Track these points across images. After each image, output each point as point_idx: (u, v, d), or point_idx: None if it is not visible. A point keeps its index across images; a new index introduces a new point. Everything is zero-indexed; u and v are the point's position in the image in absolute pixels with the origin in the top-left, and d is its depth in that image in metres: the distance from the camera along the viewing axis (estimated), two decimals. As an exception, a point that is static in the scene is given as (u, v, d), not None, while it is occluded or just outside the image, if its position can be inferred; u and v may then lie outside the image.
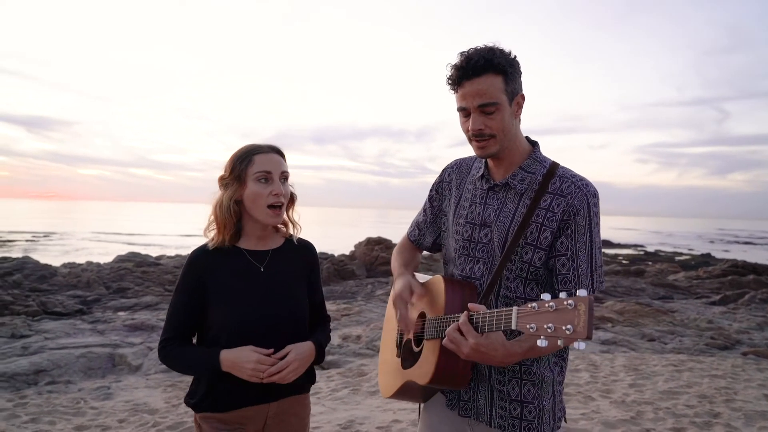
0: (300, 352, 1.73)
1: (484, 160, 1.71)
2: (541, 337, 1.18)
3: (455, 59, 1.54)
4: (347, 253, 19.91)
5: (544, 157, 1.66)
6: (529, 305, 1.23)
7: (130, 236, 44.59)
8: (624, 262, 26.69)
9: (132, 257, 16.52)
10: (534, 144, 1.68)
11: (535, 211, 1.55)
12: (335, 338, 8.14)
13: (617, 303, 11.62)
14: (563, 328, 1.13)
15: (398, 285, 1.73)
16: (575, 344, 1.13)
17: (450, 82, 1.57)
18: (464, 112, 1.57)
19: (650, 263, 25.28)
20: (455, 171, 1.84)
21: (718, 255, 35.38)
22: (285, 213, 1.83)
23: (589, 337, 1.10)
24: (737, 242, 67.51)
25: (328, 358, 6.89)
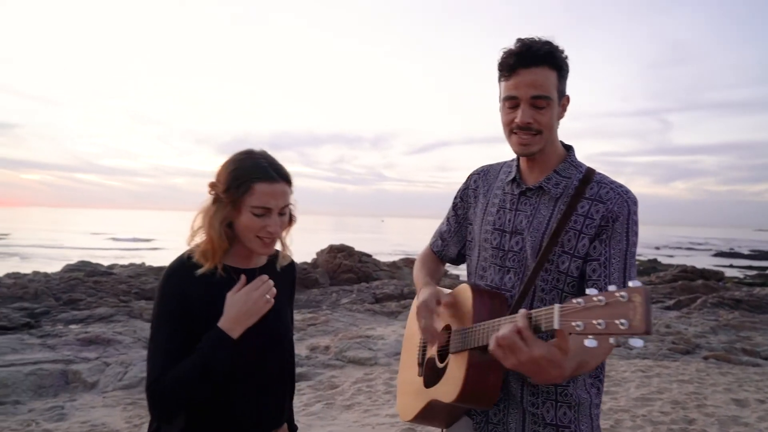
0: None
1: (515, 164, 1.61)
2: (590, 336, 1.03)
3: (512, 45, 1.44)
4: (308, 260, 19.59)
5: (580, 162, 1.57)
6: (573, 301, 1.09)
7: (77, 249, 42.09)
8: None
9: (82, 266, 15.69)
10: (569, 148, 1.59)
11: (571, 217, 1.45)
12: (303, 349, 7.91)
13: (579, 309, 11.81)
14: (617, 323, 0.98)
15: (423, 293, 1.58)
16: (631, 341, 0.98)
17: (502, 68, 1.46)
18: (512, 101, 1.46)
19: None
20: (481, 177, 1.74)
21: (664, 260, 36.82)
22: (278, 240, 1.61)
23: (648, 332, 0.95)
24: (680, 248, 70.55)
25: (298, 370, 6.67)
